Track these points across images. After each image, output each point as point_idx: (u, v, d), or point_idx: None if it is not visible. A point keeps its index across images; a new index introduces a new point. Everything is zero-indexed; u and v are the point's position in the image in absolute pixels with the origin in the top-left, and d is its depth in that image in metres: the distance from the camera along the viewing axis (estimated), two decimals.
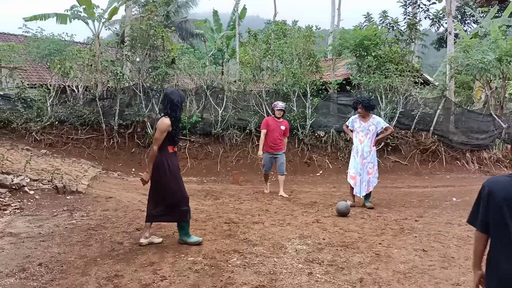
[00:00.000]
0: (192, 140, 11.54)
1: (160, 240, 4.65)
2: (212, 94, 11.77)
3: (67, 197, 6.74)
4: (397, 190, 9.03)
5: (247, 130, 11.73)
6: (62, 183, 7.12)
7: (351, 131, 7.02)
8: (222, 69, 16.16)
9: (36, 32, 14.42)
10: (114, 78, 10.71)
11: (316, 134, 12.15)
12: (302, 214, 6.34)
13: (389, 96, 11.71)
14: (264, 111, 11.74)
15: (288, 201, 7.49)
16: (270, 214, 6.35)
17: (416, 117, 12.00)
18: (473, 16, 26.61)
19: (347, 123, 7.15)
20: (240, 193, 8.25)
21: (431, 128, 12.13)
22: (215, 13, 26.63)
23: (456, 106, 12.68)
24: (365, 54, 11.83)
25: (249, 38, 14.39)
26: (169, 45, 19.07)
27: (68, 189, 7.00)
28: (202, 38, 29.20)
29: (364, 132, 6.79)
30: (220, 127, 11.52)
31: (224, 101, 11.68)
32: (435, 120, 12.12)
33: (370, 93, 11.81)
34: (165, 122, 4.35)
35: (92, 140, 10.91)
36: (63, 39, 14.09)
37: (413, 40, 13.63)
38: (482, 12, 25.43)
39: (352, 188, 6.88)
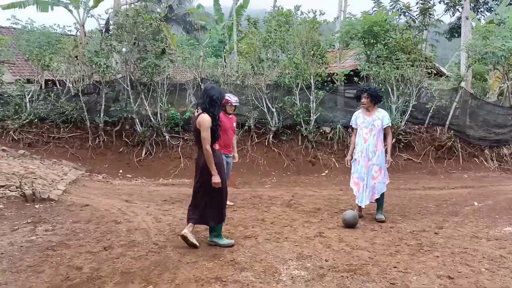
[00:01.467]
0: (185, 138, 10.81)
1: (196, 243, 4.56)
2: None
3: (36, 206, 6.03)
4: (411, 192, 8.23)
5: (246, 127, 10.98)
6: (32, 189, 6.41)
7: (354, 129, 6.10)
8: (225, 61, 15.36)
9: (26, 23, 13.65)
10: (98, 71, 9.95)
11: (321, 130, 11.35)
12: (303, 225, 5.58)
13: (400, 88, 10.87)
14: (264, 105, 10.97)
15: (288, 208, 6.74)
16: (266, 225, 5.60)
17: (431, 111, 11.15)
18: (487, 3, 25.54)
19: (352, 123, 6.06)
20: (235, 198, 7.51)
21: (447, 123, 11.28)
22: (216, 2, 25.81)
23: (473, 99, 11.78)
24: (375, 42, 10.96)
25: (249, 27, 13.60)
26: (167, 36, 18.33)
27: (38, 197, 6.29)
28: (205, 29, 28.49)
29: (368, 128, 5.77)
30: None
31: None
32: (451, 114, 11.26)
33: (380, 85, 10.97)
34: (206, 118, 4.31)
35: (76, 139, 10.21)
36: (55, 30, 13.30)
37: (426, 27, 12.72)
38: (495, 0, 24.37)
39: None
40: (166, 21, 32.14)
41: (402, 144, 11.06)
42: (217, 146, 4.58)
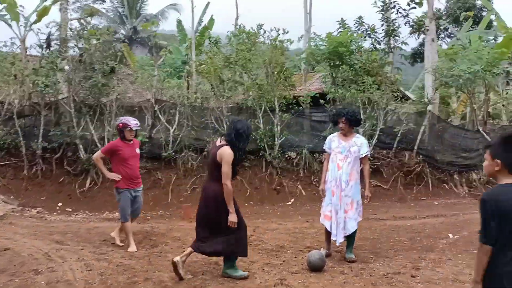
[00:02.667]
0: None
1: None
2: (162, 109, 10.29)
3: None
4: (381, 224, 7.74)
5: (205, 152, 10.28)
6: None
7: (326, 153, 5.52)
8: (187, 83, 14.66)
9: None
10: (37, 91, 9.04)
11: (286, 156, 10.82)
12: (263, 269, 4.89)
13: (367, 111, 10.58)
14: (225, 129, 10.33)
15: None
16: (219, 270, 4.86)
17: (399, 135, 10.90)
18: (447, 29, 26.52)
19: (326, 147, 5.46)
20: (188, 235, 6.72)
21: (415, 147, 11.04)
22: (179, 22, 25.41)
23: (441, 122, 11.67)
24: (340, 63, 10.69)
25: (210, 47, 13.11)
26: (128, 59, 17.53)
27: None
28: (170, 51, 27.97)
29: (343, 154, 5.21)
30: (172, 149, 10.02)
31: (177, 117, 10.20)
32: (419, 138, 11.04)
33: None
34: (228, 152, 4.30)
35: (9, 168, 9.15)
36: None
37: (392, 50, 12.66)
38: (456, 26, 25.35)
39: (327, 233, 5.38)
40: (130, 42, 31.66)
41: (370, 169, 10.67)
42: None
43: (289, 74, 10.95)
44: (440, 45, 23.61)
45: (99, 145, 9.65)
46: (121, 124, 5.80)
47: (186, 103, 10.44)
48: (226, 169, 4.27)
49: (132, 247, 5.77)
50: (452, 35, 26.02)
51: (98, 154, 5.94)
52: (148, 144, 9.96)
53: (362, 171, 5.35)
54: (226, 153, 4.28)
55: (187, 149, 10.16)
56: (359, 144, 5.26)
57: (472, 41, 15.10)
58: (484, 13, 22.40)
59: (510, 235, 2.13)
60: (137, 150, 5.97)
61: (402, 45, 12.60)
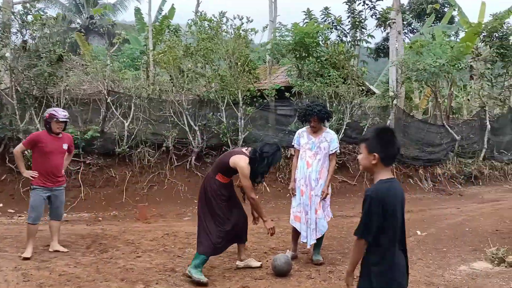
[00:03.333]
0: (87, 162, 9.29)
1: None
2: (118, 102, 9.64)
3: None
4: (348, 221, 7.56)
5: (163, 148, 9.76)
6: None
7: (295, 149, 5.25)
8: (147, 74, 13.96)
9: None
10: None
11: None
12: (224, 276, 4.52)
13: (334, 105, 10.40)
14: (185, 122, 9.85)
15: None
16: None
17: (365, 129, 10.80)
18: (410, 24, 27.04)
19: (294, 143, 5.19)
20: (143, 238, 6.27)
21: None
22: (137, 11, 24.43)
23: (407, 116, 11.70)
24: (306, 55, 10.43)
25: (170, 35, 12.51)
26: (82, 48, 16.55)
27: None
28: (121, 37, 26.97)
29: (313, 151, 4.94)
30: (127, 144, 9.41)
31: (132, 110, 9.60)
32: None
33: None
34: (245, 166, 4.15)
35: None
36: None
37: (358, 43, 12.57)
38: (419, 22, 25.88)
39: (295, 233, 5.08)
40: (86, 32, 30.27)
41: (336, 165, 10.52)
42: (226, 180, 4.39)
43: (253, 66, 10.58)
44: (404, 40, 24.05)
45: None
46: (47, 115, 5.23)
47: (144, 95, 9.85)
48: (247, 183, 4.21)
49: (27, 253, 5.09)
50: (415, 30, 26.57)
51: (19, 147, 5.35)
52: (100, 139, 9.31)
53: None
54: (242, 166, 4.16)
55: (143, 145, 9.59)
56: (329, 140, 5.00)
57: (436, 35, 15.34)
58: (446, 9, 22.95)
59: (395, 230, 2.19)
60: (65, 146, 5.35)
61: (368, 38, 12.55)
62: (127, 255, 5.35)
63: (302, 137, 5.08)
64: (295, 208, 5.00)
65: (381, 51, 25.49)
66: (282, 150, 10.50)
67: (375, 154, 2.25)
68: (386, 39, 27.98)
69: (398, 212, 2.23)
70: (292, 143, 5.25)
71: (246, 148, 4.43)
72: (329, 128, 9.97)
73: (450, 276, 4.30)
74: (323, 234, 4.96)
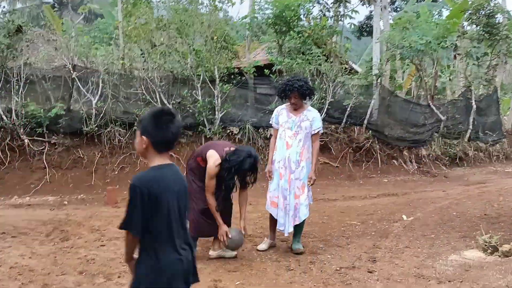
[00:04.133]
0: (52, 142, 8.72)
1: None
2: (82, 77, 9.03)
3: None
4: (330, 205, 7.29)
5: (135, 127, 9.22)
6: None
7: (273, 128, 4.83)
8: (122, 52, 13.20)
9: None
10: None
11: (228, 131, 10.05)
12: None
13: (316, 83, 10.00)
14: (158, 100, 9.33)
15: None
16: None
17: (348, 109, 10.48)
18: (393, 3, 26.70)
19: (272, 122, 4.75)
20: (110, 224, 5.84)
21: (365, 122, 10.71)
22: None
23: (391, 96, 11.41)
24: (287, 29, 9.95)
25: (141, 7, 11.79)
26: (52, 22, 15.65)
27: None
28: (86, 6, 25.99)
29: (293, 130, 4.51)
30: (96, 123, 8.86)
31: (100, 87, 9.01)
32: (369, 112, 10.71)
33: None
34: (212, 165, 3.99)
35: None
36: None
37: (341, 18, 12.15)
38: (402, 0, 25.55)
39: (272, 220, 4.71)
40: (60, 7, 28.89)
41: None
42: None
43: (231, 41, 10.04)
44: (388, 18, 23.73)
45: (4, 117, 8.32)
46: None
47: (113, 71, 9.24)
48: (208, 182, 4.01)
49: None
50: (398, 9, 26.25)
51: None
52: (66, 117, 8.73)
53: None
54: (209, 164, 3.99)
55: (113, 124, 9.04)
56: (311, 119, 4.57)
57: (421, 13, 15.01)
58: None
59: (169, 225, 2.03)
60: None
61: (352, 13, 12.13)
62: (90, 244, 4.93)
63: (281, 115, 4.64)
64: (271, 193, 4.62)
65: (364, 30, 25.16)
66: (262, 130, 10.17)
67: (145, 137, 2.06)
68: (369, 17, 27.70)
69: (172, 203, 2.03)
70: (270, 122, 4.84)
71: (229, 148, 4.15)
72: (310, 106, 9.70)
73: (441, 267, 4.02)
74: (304, 221, 4.61)
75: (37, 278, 3.93)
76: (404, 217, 6.33)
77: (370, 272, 3.99)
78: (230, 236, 4.14)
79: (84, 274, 3.98)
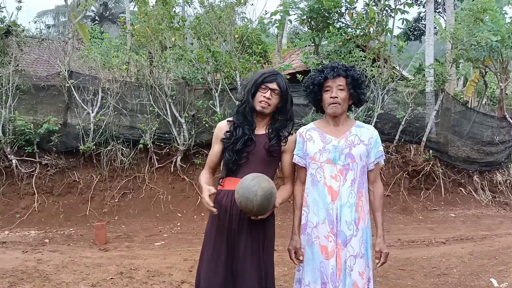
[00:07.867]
0: (44, 163, 7.62)
1: None
2: (80, 86, 7.90)
3: None
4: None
5: (140, 145, 7.97)
6: None
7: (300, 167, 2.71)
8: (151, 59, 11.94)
9: None
10: None
11: None
12: None
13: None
14: (169, 113, 8.02)
15: None
16: None
17: (403, 123, 8.74)
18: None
19: (295, 156, 2.65)
20: (84, 279, 4.50)
21: (424, 139, 8.90)
22: None
23: (459, 106, 9.54)
24: (325, 25, 8.40)
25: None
26: (80, 32, 15.06)
27: None
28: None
29: (339, 163, 2.54)
30: (94, 141, 7.67)
31: (100, 97, 7.83)
32: (429, 127, 8.90)
33: None
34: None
35: None
36: None
37: (391, 13, 10.43)
38: None
39: None
40: (101, 20, 29.04)
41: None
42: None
43: (257, 41, 8.62)
44: (441, 18, 21.66)
45: None
46: None
47: (116, 78, 8.05)
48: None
49: None
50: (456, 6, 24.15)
51: None
52: (59, 133, 7.60)
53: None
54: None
55: (115, 141, 7.82)
56: (367, 140, 2.60)
57: (488, 7, 13.04)
58: None
59: None
60: None
61: (404, 7, 10.38)
62: None
63: (311, 140, 2.63)
64: (305, 279, 2.57)
65: (412, 33, 23.28)
66: None
67: None
68: (417, 19, 25.67)
69: None
70: (294, 154, 2.67)
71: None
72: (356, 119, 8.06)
73: None
74: None
75: None
76: (494, 281, 4.54)
77: None
78: None
79: None
